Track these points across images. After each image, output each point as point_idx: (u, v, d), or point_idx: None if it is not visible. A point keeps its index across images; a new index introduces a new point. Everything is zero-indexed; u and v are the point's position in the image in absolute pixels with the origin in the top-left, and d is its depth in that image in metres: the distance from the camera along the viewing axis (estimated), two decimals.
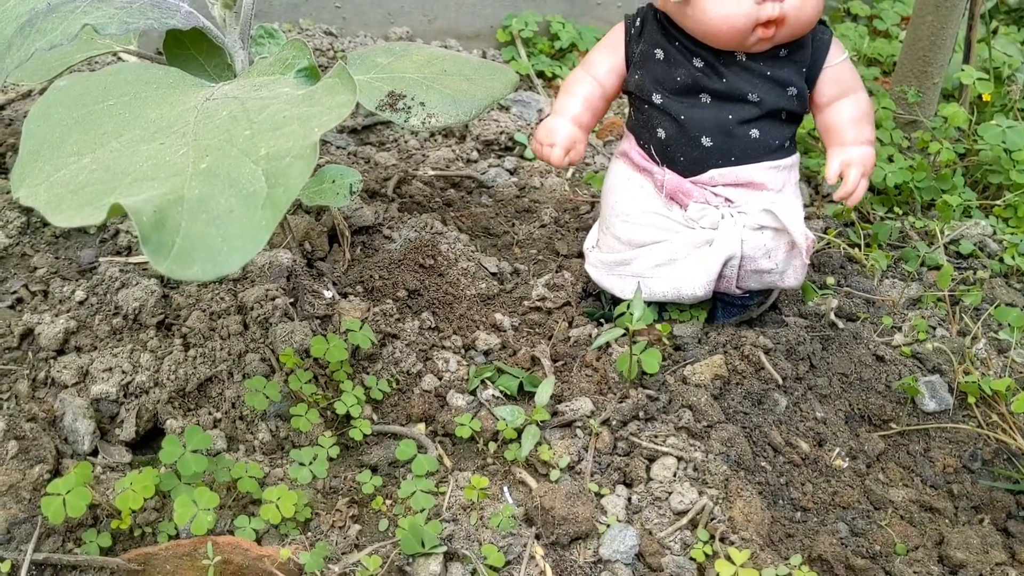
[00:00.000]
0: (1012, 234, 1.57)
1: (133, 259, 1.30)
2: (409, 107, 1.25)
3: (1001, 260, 1.53)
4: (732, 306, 1.30)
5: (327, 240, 1.37)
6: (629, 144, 1.28)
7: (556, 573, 1.00)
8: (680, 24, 1.18)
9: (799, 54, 1.20)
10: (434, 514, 1.04)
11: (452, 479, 1.10)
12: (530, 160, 1.75)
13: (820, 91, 1.23)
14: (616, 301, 1.30)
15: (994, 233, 1.58)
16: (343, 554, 0.98)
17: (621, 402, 1.16)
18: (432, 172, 1.65)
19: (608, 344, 1.28)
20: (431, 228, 1.43)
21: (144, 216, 0.73)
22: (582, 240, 1.54)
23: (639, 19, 1.25)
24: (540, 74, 1.99)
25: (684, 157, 1.21)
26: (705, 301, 1.29)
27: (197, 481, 0.99)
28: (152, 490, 0.96)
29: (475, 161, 1.73)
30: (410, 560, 0.96)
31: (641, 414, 1.15)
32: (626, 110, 1.96)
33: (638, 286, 1.22)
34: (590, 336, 1.31)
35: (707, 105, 1.19)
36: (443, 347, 1.28)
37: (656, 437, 1.12)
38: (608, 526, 1.02)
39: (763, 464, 1.15)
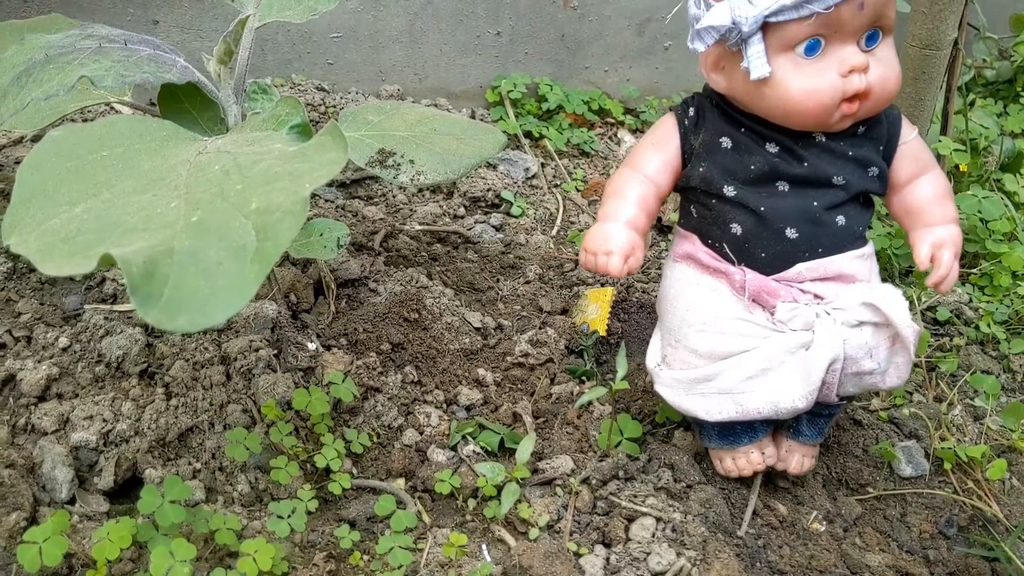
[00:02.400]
0: (988, 302, 1.60)
1: (118, 307, 1.30)
2: (399, 164, 1.27)
3: (977, 328, 1.55)
4: (819, 416, 1.17)
5: (312, 292, 1.39)
6: (691, 244, 1.14)
7: None
8: (752, 107, 1.06)
9: (876, 131, 1.10)
10: (411, 571, 1.03)
11: (431, 535, 1.10)
12: (516, 217, 1.78)
13: (898, 169, 1.13)
14: (700, 425, 1.17)
15: (970, 301, 1.61)
16: None
17: (601, 461, 1.17)
18: (419, 227, 1.67)
19: (590, 403, 1.29)
20: (416, 282, 1.45)
21: (134, 267, 0.74)
22: (567, 297, 1.56)
23: (692, 108, 1.13)
24: (528, 134, 2.03)
25: (766, 253, 1.08)
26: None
27: (175, 532, 0.98)
28: (129, 540, 0.96)
29: (462, 217, 1.76)
30: None
31: (621, 473, 1.15)
32: (611, 173, 1.99)
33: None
34: (572, 393, 1.32)
35: (787, 193, 1.07)
36: (425, 401, 1.29)
37: (635, 497, 1.12)
38: None
39: (739, 527, 1.15)
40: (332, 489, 1.12)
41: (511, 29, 2.05)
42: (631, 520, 1.10)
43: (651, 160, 1.14)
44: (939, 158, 1.80)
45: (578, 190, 1.91)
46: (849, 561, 1.15)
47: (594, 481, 1.15)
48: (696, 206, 1.13)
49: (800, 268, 1.08)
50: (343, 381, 1.18)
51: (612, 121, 2.17)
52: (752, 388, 1.08)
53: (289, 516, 1.05)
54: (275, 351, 1.23)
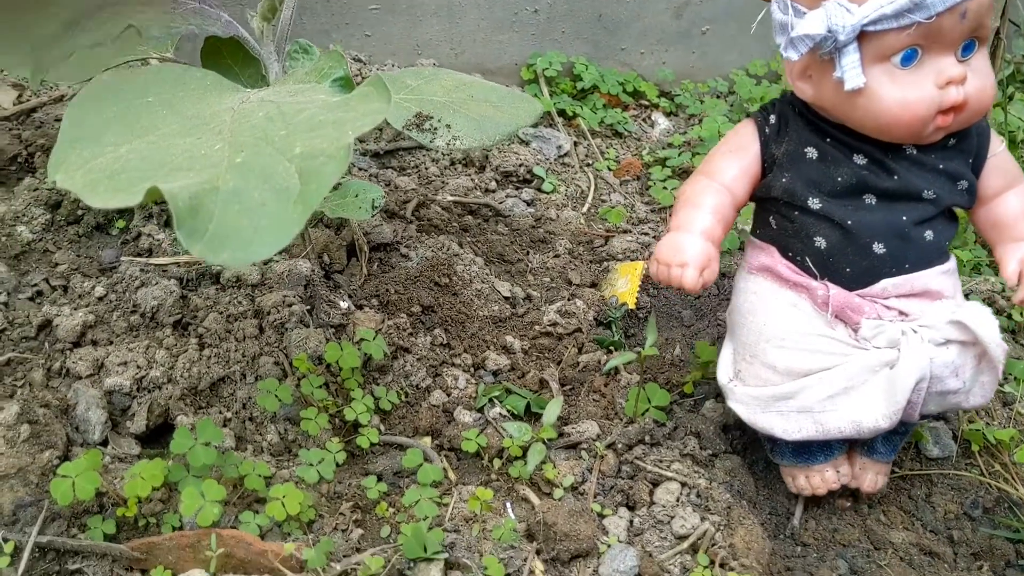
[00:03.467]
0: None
1: (154, 260, 1.32)
2: (435, 128, 1.27)
3: (1009, 316, 1.54)
4: (895, 434, 1.14)
5: (345, 254, 1.40)
6: (769, 257, 1.09)
7: None
8: (841, 117, 1.03)
9: (966, 143, 1.06)
10: (436, 524, 1.04)
11: (456, 492, 1.10)
12: (547, 193, 1.78)
13: (986, 183, 1.09)
14: (773, 441, 1.13)
15: (1003, 290, 1.60)
16: (344, 556, 0.99)
17: (627, 426, 1.17)
18: (451, 198, 1.67)
19: (617, 370, 1.30)
20: (448, 249, 1.46)
21: (180, 201, 0.75)
22: (596, 272, 1.57)
23: (773, 115, 1.08)
24: (561, 113, 2.03)
25: (851, 268, 1.05)
26: None
27: (205, 474, 1.00)
28: (161, 479, 0.97)
29: (493, 191, 1.76)
30: (411, 564, 0.97)
31: (647, 439, 1.15)
32: (643, 155, 1.99)
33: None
34: (599, 362, 1.32)
35: (874, 207, 1.03)
36: (453, 364, 1.30)
37: (661, 462, 1.13)
38: (609, 546, 1.03)
39: (764, 499, 1.15)
40: (360, 443, 1.14)
41: (549, 7, 2.06)
42: (656, 484, 1.11)
43: (728, 168, 1.09)
44: None
45: (610, 169, 1.91)
46: (873, 537, 1.15)
47: (620, 445, 1.15)
48: (776, 217, 1.09)
49: (885, 284, 1.05)
50: (374, 338, 1.19)
51: (647, 103, 2.17)
52: (834, 407, 1.04)
53: (318, 464, 1.06)
54: (308, 307, 1.24)
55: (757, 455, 1.18)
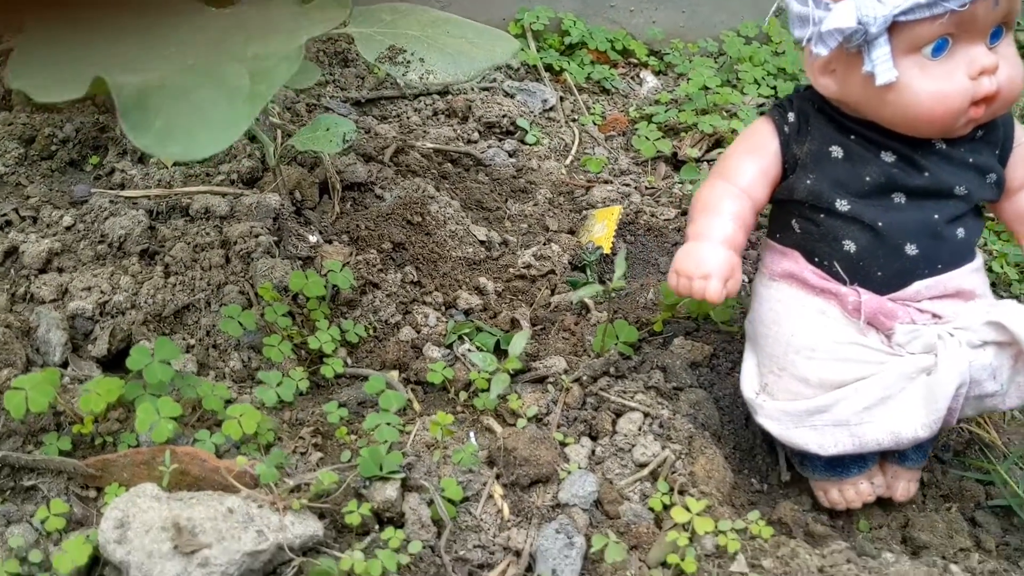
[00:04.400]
0: (1004, 244, 1.57)
1: (125, 192, 1.31)
2: (408, 62, 1.26)
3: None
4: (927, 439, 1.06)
5: (318, 192, 1.39)
6: (793, 263, 1.04)
7: (514, 512, 0.99)
8: (868, 113, 0.98)
9: (993, 135, 1.02)
10: (398, 448, 1.03)
11: (420, 422, 1.10)
12: (530, 145, 1.77)
13: (1012, 174, 1.04)
14: (803, 455, 1.07)
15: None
16: (301, 475, 0.98)
17: (594, 360, 1.16)
18: (431, 146, 1.66)
19: (588, 309, 1.29)
20: (423, 191, 1.45)
21: (125, 91, 0.75)
22: (575, 220, 1.55)
23: (791, 113, 1.03)
24: (548, 68, 2.01)
25: (882, 271, 0.99)
26: None
27: (162, 392, 0.99)
28: (116, 395, 0.96)
29: (475, 141, 1.75)
30: (367, 483, 0.96)
31: (612, 370, 1.15)
32: (629, 112, 1.98)
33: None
34: (571, 304, 1.31)
35: (904, 206, 0.99)
36: (424, 302, 1.29)
37: (625, 393, 1.12)
38: (569, 472, 1.02)
39: (729, 434, 1.14)
40: (325, 372, 1.13)
41: None
42: (619, 415, 1.10)
43: (746, 170, 1.03)
44: None
45: (596, 124, 1.89)
46: None
47: (585, 378, 1.14)
48: (800, 220, 1.03)
49: (918, 286, 1.00)
50: (341, 270, 1.18)
51: (635, 62, 2.15)
52: (871, 418, 0.99)
53: (277, 387, 1.06)
54: (275, 239, 1.23)
55: (724, 391, 1.17)
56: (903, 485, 1.10)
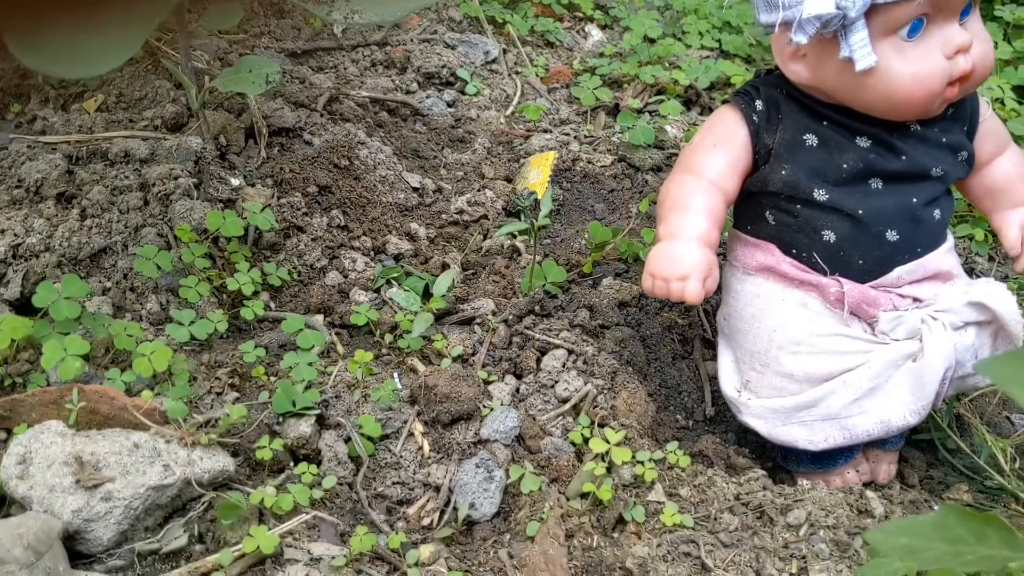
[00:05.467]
0: None
1: (43, 138, 1.28)
2: (333, 1, 1.23)
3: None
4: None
5: (243, 137, 1.36)
6: (769, 255, 1.00)
7: (434, 449, 0.98)
8: (844, 99, 0.95)
9: (961, 111, 1.00)
10: (317, 387, 1.02)
11: (342, 363, 1.08)
12: (470, 96, 1.75)
13: (979, 149, 1.02)
14: (787, 449, 1.03)
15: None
16: (212, 413, 0.96)
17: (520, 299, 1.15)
18: (366, 94, 1.63)
19: (519, 252, 1.28)
20: (354, 137, 1.42)
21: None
22: (511, 169, 1.54)
23: (760, 101, 0.98)
24: (491, 20, 1.99)
25: (863, 259, 0.97)
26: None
27: (70, 330, 0.97)
28: (22, 332, 0.94)
29: (413, 92, 1.72)
30: (280, 420, 0.95)
31: (538, 309, 1.14)
32: (572, 65, 1.95)
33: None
34: (503, 247, 1.30)
35: (882, 192, 0.96)
36: (352, 247, 1.27)
37: (550, 331, 1.11)
38: (492, 409, 1.01)
39: (655, 372, 1.14)
40: (245, 315, 1.11)
41: None
42: (543, 353, 1.09)
43: (714, 163, 0.98)
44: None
45: (538, 76, 1.87)
46: None
47: (511, 317, 1.13)
48: (775, 212, 0.99)
49: (899, 272, 0.98)
50: (261, 211, 1.16)
51: (581, 16, 2.13)
52: (860, 410, 0.97)
53: (190, 325, 1.03)
54: (195, 181, 1.20)
55: (651, 330, 1.16)
56: (884, 468, 1.08)
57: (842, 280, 0.97)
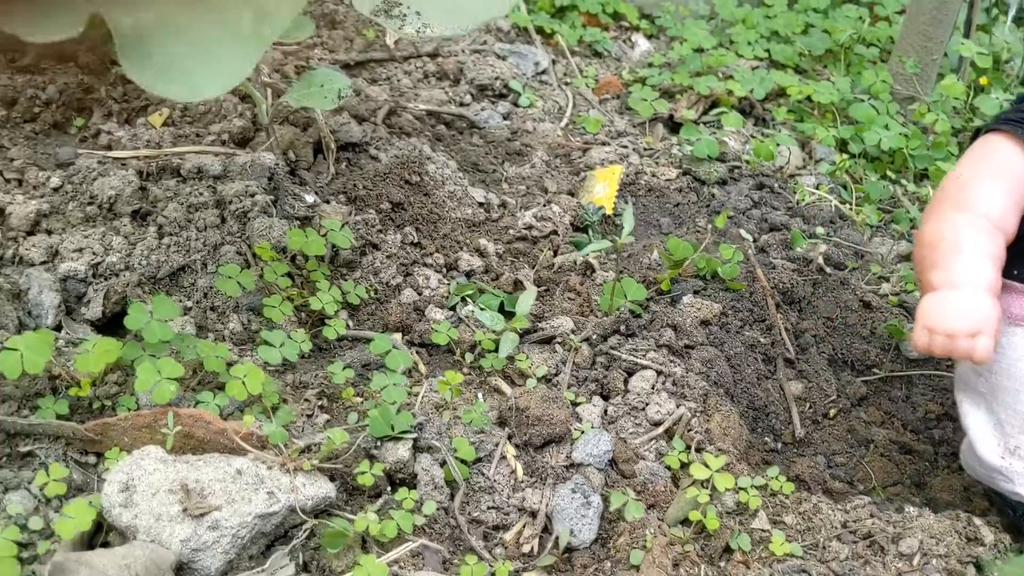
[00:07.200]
0: None
1: (113, 153, 1.27)
2: (404, 15, 1.22)
3: None
4: None
5: (312, 152, 1.35)
6: None
7: (527, 472, 0.97)
8: None
9: None
10: (406, 409, 1.01)
11: (427, 383, 1.07)
12: (524, 107, 1.73)
13: None
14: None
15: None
16: (310, 437, 0.95)
17: (602, 319, 1.14)
18: (424, 107, 1.62)
19: (593, 269, 1.26)
20: (419, 151, 1.41)
21: (124, 27, 0.71)
22: (573, 182, 1.52)
23: None
24: (539, 30, 1.97)
25: None
26: None
27: (161, 352, 0.95)
28: (114, 355, 0.93)
29: (467, 104, 1.71)
30: (378, 444, 0.93)
31: (622, 329, 1.12)
32: (620, 72, 1.94)
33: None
34: (575, 263, 1.29)
35: None
36: (425, 264, 1.25)
37: (636, 351, 1.09)
38: (583, 432, 1.00)
39: (742, 392, 1.12)
40: (327, 334, 1.09)
41: None
42: (631, 374, 1.08)
43: (994, 198, 0.86)
44: (961, 60, 1.76)
45: (589, 87, 1.86)
46: (854, 435, 1.13)
47: (594, 337, 1.12)
48: None
49: None
50: (340, 229, 1.15)
51: (627, 25, 2.12)
52: None
53: (280, 347, 1.02)
54: (271, 198, 1.19)
55: (735, 349, 1.15)
56: None
57: None
